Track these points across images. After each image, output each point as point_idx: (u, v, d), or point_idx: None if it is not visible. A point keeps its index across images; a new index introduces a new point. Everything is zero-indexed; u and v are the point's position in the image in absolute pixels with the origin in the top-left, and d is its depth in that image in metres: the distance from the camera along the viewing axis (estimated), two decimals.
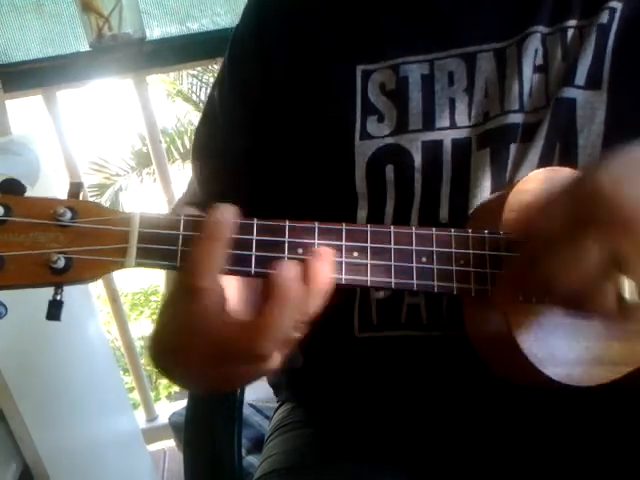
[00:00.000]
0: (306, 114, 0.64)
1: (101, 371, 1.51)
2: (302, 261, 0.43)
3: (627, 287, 0.43)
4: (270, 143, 0.66)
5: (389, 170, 0.60)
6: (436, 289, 0.47)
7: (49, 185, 1.31)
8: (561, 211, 0.44)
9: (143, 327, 5.13)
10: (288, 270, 0.42)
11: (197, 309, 0.42)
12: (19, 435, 0.97)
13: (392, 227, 0.47)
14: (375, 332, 0.62)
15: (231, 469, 0.76)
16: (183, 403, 1.83)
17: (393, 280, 0.46)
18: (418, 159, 0.59)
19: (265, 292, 0.42)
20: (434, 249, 0.48)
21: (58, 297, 0.41)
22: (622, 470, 0.60)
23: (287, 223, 0.45)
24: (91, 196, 4.92)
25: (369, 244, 0.46)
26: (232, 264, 0.43)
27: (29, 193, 0.42)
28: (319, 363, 0.70)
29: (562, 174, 0.53)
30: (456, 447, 0.64)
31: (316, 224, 0.46)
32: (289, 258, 0.44)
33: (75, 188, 0.43)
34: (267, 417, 1.06)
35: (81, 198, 0.43)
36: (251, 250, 0.44)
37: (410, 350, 0.61)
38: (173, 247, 0.43)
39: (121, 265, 0.42)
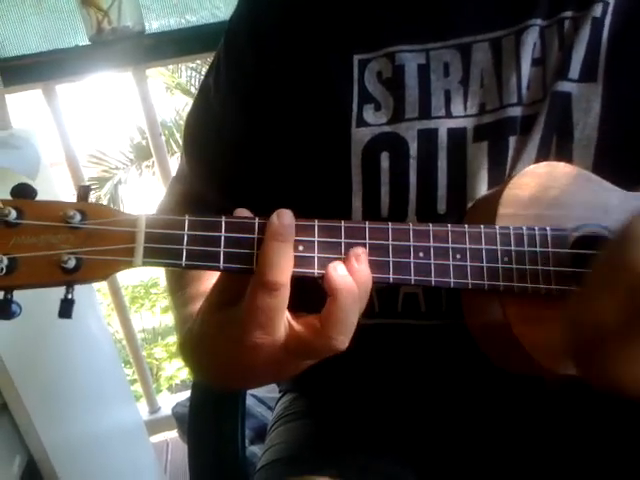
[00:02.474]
0: (302, 103, 0.64)
1: (103, 364, 1.52)
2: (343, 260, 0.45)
3: None
4: (264, 132, 0.66)
5: (384, 158, 0.60)
6: (433, 283, 0.48)
7: (50, 178, 1.31)
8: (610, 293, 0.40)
9: (144, 319, 5.15)
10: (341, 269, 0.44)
11: (273, 304, 0.42)
12: (24, 428, 0.98)
13: (390, 224, 0.48)
14: (376, 319, 0.62)
15: (235, 459, 0.77)
16: (185, 394, 1.85)
17: (391, 276, 0.47)
18: (414, 147, 0.59)
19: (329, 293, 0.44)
20: (431, 244, 0.48)
21: (69, 296, 0.43)
22: (621, 459, 0.61)
23: None
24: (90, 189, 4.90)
25: (367, 241, 0.47)
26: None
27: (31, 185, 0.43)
28: None
29: (557, 169, 0.53)
30: (456, 436, 0.65)
31: (316, 222, 0.46)
32: None
33: (83, 191, 0.44)
34: (269, 407, 1.07)
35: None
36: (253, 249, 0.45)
37: (409, 339, 0.62)
38: (178, 246, 0.44)
39: (129, 264, 0.43)
